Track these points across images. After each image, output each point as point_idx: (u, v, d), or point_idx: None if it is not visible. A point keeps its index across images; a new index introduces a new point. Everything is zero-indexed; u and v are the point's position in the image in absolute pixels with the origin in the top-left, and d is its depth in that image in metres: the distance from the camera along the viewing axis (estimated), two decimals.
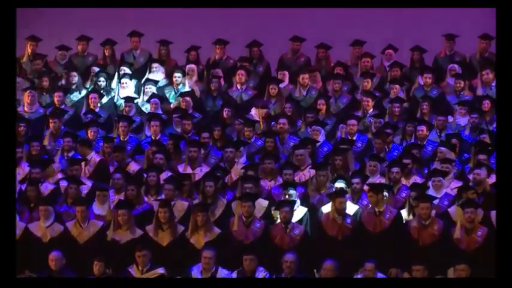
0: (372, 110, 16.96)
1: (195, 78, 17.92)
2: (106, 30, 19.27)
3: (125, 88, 17.79)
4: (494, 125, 16.34)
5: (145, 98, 17.53)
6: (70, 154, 15.97)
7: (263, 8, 19.77)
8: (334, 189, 14.52)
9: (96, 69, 18.17)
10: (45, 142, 16.47)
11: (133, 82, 17.91)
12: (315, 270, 13.70)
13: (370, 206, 14.26)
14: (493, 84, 17.33)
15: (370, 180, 14.82)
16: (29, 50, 18.83)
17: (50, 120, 16.82)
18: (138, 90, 17.80)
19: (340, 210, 14.12)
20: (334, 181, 14.77)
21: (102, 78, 17.92)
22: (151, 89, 17.65)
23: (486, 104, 16.79)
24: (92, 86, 17.93)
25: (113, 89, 17.94)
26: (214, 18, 20.15)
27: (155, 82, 17.85)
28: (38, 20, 20.63)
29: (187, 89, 17.78)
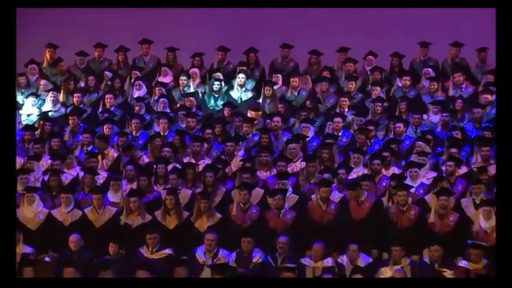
0: (347, 109, 16.92)
1: (198, 80, 17.86)
2: (117, 37, 19.10)
3: (137, 89, 17.69)
4: (465, 122, 16.33)
5: (155, 98, 17.46)
6: (89, 148, 15.90)
7: (260, 14, 19.65)
8: (319, 180, 14.53)
9: (110, 74, 18.08)
10: (66, 138, 16.41)
11: (144, 84, 17.83)
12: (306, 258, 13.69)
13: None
14: (463, 85, 17.30)
15: (354, 171, 14.81)
16: (48, 56, 18.71)
17: (70, 118, 16.77)
18: (149, 91, 17.73)
19: (324, 198, 14.12)
20: (322, 172, 14.74)
21: (117, 80, 17.87)
22: (160, 90, 17.59)
23: (458, 103, 16.79)
24: (108, 88, 17.85)
25: (126, 91, 17.89)
26: (215, 24, 20.00)
27: (164, 84, 17.80)
28: (54, 24, 20.48)
29: (192, 90, 17.73)
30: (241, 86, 17.64)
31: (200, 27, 19.84)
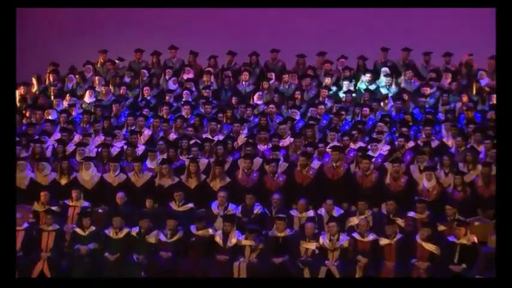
0: (327, 98, 16.75)
1: (213, 77, 17.74)
2: (149, 42, 18.89)
3: (173, 83, 17.58)
4: (413, 108, 16.22)
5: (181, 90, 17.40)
6: (132, 127, 15.81)
7: (261, 20, 19.39)
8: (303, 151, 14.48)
9: (146, 72, 17.94)
10: (114, 119, 16.37)
11: (177, 79, 17.73)
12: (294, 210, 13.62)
13: (331, 162, 14.15)
14: (412, 80, 17.08)
15: (330, 144, 14.72)
16: (101, 59, 18.55)
17: (113, 106, 16.70)
18: (179, 85, 17.61)
19: (304, 165, 14.06)
20: (305, 146, 14.66)
21: (154, 77, 17.73)
22: (186, 83, 17.51)
23: (405, 95, 16.63)
24: (145, 82, 17.72)
25: (161, 84, 17.77)
26: (223, 29, 19.66)
27: (187, 79, 17.67)
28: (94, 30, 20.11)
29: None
30: (245, 81, 17.51)
31: (211, 31, 19.47)
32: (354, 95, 16.74)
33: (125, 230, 13.31)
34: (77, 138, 15.59)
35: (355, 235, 12.88)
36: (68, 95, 17.41)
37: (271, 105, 16.18)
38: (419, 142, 14.87)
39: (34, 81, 18.07)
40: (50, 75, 18.16)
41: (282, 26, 19.31)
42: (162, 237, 13.20)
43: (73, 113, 16.59)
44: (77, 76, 18.07)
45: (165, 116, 16.12)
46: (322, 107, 16.19)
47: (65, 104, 17.04)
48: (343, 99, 16.66)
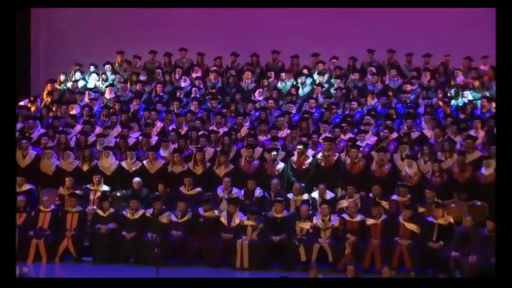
0: (320, 94, 16.58)
1: (218, 75, 17.62)
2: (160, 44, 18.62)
3: (183, 82, 17.42)
4: (395, 102, 16.11)
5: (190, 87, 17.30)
6: (148, 120, 15.67)
7: (261, 23, 19.06)
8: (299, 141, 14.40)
9: (160, 71, 17.82)
10: (131, 112, 16.24)
11: (188, 78, 17.60)
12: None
13: (323, 151, 14.04)
14: (395, 78, 16.90)
15: (323, 136, 14.59)
16: (119, 59, 18.40)
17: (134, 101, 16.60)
18: (190, 82, 17.49)
19: (300, 154, 13.96)
20: (301, 137, 14.56)
21: (167, 75, 17.58)
22: (195, 81, 17.39)
23: (390, 91, 16.47)
24: (158, 80, 17.60)
25: (173, 82, 17.64)
26: (228, 34, 19.25)
27: (196, 78, 17.55)
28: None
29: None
30: (248, 79, 17.40)
31: (217, 34, 19.21)
32: (343, 91, 16.61)
33: (140, 211, 13.28)
34: (97, 130, 15.51)
35: (345, 216, 12.84)
36: (89, 91, 17.30)
37: (270, 101, 16.08)
38: (401, 133, 14.77)
39: (61, 78, 17.96)
40: (75, 73, 18.03)
41: (281, 26, 19.01)
42: (173, 218, 13.18)
43: (94, 108, 16.48)
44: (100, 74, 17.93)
45: (176, 111, 16.01)
46: (313, 101, 16.05)
47: (87, 99, 16.94)
48: (334, 95, 16.53)
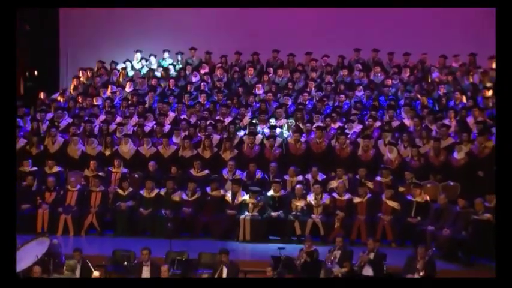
0: (313, 88, 16.38)
1: (224, 72, 17.44)
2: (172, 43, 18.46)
3: (193, 77, 17.24)
4: (379, 95, 15.98)
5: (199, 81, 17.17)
6: (162, 111, 15.52)
7: (263, 25, 18.65)
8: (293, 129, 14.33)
9: (172, 68, 17.68)
10: (147, 104, 16.09)
11: (199, 74, 17.43)
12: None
13: (316, 138, 13.96)
14: (379, 74, 16.70)
15: (315, 124, 14.48)
16: (137, 57, 18.21)
17: (150, 94, 16.41)
18: (199, 78, 17.34)
19: (296, 140, 13.91)
20: (295, 125, 14.50)
21: (182, 71, 17.44)
22: (203, 76, 17.25)
23: (371, 85, 16.30)
24: (171, 76, 17.46)
25: (182, 77, 17.51)
26: (232, 34, 18.81)
27: (204, 73, 17.42)
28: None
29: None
30: (250, 75, 17.25)
31: (223, 34, 18.96)
32: (333, 85, 16.49)
33: (156, 191, 13.20)
34: (118, 119, 15.39)
35: (335, 195, 12.78)
36: (111, 85, 17.17)
37: (269, 94, 15.95)
38: (384, 122, 14.67)
39: (88, 73, 17.82)
40: (100, 70, 17.88)
41: (281, 27, 18.79)
42: (184, 196, 13.10)
43: (114, 100, 16.37)
44: (120, 70, 17.77)
45: (186, 102, 15.90)
46: (307, 94, 15.90)
47: (109, 92, 16.83)
48: (325, 89, 16.38)
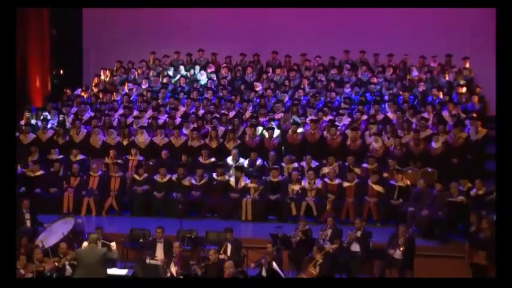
0: (307, 86, 16.26)
1: (228, 71, 17.33)
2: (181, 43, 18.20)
3: (201, 75, 17.14)
4: (365, 91, 15.88)
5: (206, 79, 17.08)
6: (173, 106, 15.45)
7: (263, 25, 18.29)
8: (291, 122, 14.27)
9: (182, 67, 17.58)
10: (159, 100, 15.97)
11: (205, 72, 17.34)
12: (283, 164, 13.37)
13: (310, 129, 13.90)
14: (365, 73, 16.55)
15: (309, 118, 14.43)
16: (152, 58, 18.12)
17: (162, 90, 16.30)
18: (207, 76, 17.23)
19: (294, 131, 13.85)
20: (293, 118, 14.42)
21: (192, 70, 17.32)
22: (210, 75, 17.16)
23: (359, 83, 16.19)
24: (181, 74, 17.37)
25: (191, 76, 17.39)
26: (236, 36, 18.51)
27: (211, 72, 17.33)
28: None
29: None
30: (249, 73, 17.15)
31: (227, 37, 18.77)
32: (324, 83, 16.40)
33: (168, 176, 13.16)
34: (134, 113, 15.31)
35: (326, 180, 12.74)
36: (128, 82, 17.08)
37: (268, 90, 15.88)
38: (370, 116, 14.60)
39: (107, 72, 17.73)
40: (119, 69, 17.77)
41: (280, 28, 18.62)
42: (193, 181, 13.06)
43: (131, 96, 16.30)
44: (137, 70, 17.64)
45: (195, 98, 15.84)
46: (301, 91, 15.80)
47: (126, 89, 16.76)
48: (318, 86, 16.29)
